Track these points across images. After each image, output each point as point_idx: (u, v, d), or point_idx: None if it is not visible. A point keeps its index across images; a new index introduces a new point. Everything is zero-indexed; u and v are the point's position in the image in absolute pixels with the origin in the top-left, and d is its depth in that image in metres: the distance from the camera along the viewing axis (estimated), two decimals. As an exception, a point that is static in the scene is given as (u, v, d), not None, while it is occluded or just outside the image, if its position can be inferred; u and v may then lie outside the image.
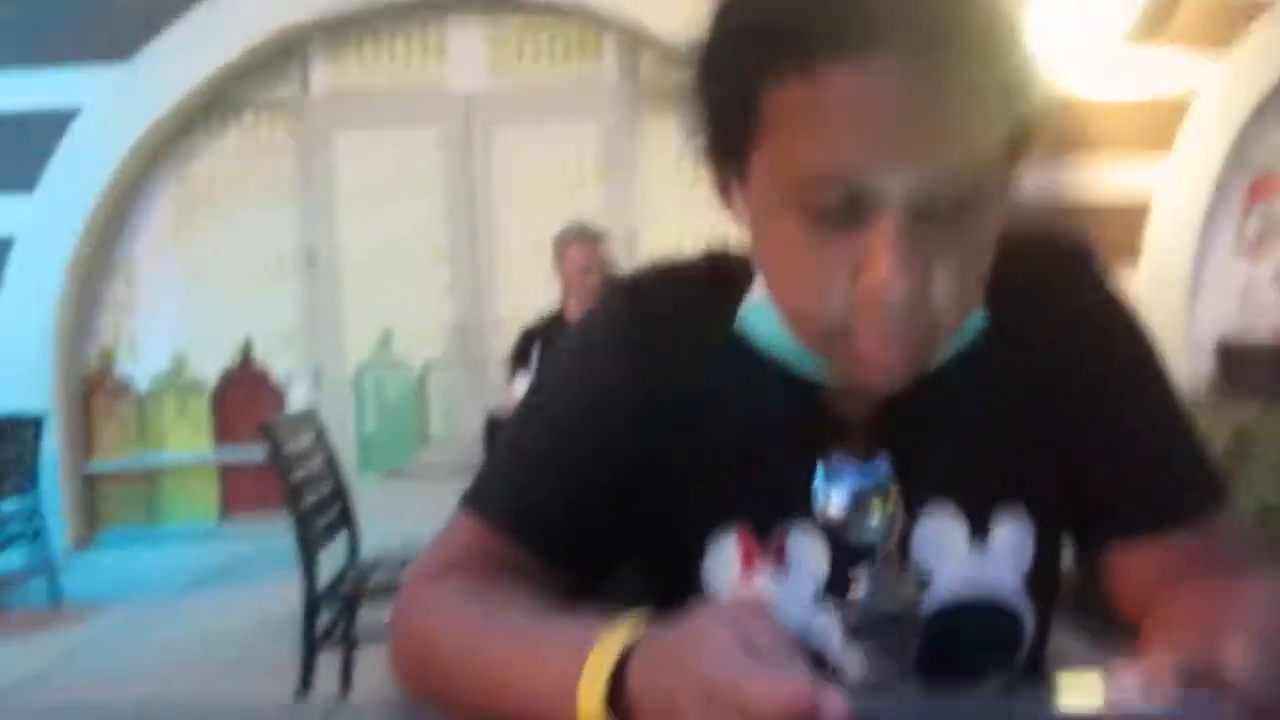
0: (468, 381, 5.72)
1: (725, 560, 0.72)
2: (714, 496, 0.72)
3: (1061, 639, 0.84)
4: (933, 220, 0.58)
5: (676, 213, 5.59)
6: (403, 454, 5.46)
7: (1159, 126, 5.33)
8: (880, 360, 0.61)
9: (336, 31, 5.63)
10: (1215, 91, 5.36)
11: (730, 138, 0.64)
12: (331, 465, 2.84)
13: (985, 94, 0.59)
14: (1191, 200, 5.46)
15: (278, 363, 5.85)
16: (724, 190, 0.68)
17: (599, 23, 5.47)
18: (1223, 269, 5.71)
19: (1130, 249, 5.36)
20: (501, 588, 0.70)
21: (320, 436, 2.86)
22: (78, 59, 5.30)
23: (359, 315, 5.81)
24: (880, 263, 0.58)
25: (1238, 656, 0.51)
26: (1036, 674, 0.75)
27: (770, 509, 0.71)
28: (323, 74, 5.73)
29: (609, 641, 0.56)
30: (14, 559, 4.68)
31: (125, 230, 5.75)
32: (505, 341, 3.79)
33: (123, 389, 5.80)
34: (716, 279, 0.74)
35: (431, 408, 5.89)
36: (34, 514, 4.38)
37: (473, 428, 5.02)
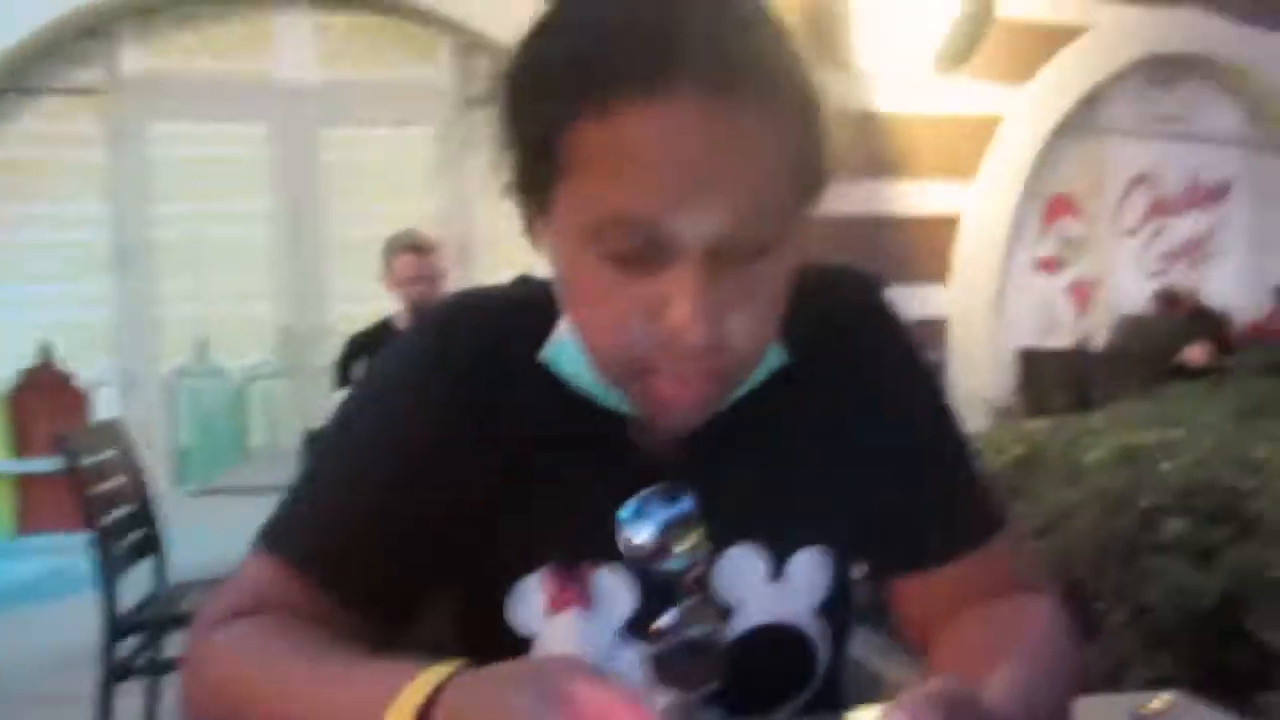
0: (292, 391, 5.50)
1: (531, 599, 0.72)
2: (519, 534, 0.72)
3: (859, 652, 0.88)
4: (731, 261, 0.60)
5: (510, 218, 5.54)
6: (221, 468, 5.19)
7: (967, 150, 5.68)
8: (679, 399, 0.63)
9: (148, 13, 5.31)
10: (1018, 117, 5.75)
11: (533, 175, 0.64)
12: (138, 480, 2.67)
13: (781, 133, 0.60)
14: (996, 220, 5.83)
15: (84, 367, 5.47)
16: (530, 225, 0.68)
17: (434, 23, 5.38)
18: (1024, 284, 6.12)
19: (940, 265, 5.68)
20: (300, 630, 0.67)
21: (126, 448, 2.69)
22: None
23: (175, 318, 5.50)
24: (679, 307, 0.59)
25: (997, 694, 0.55)
26: (832, 695, 0.78)
27: (576, 546, 0.71)
28: (134, 58, 5.39)
29: (418, 682, 0.55)
30: None
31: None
32: (332, 349, 3.64)
33: (-98, 395, 5.31)
34: (526, 310, 0.73)
35: (252, 419, 5.64)
36: None
37: (296, 441, 4.83)
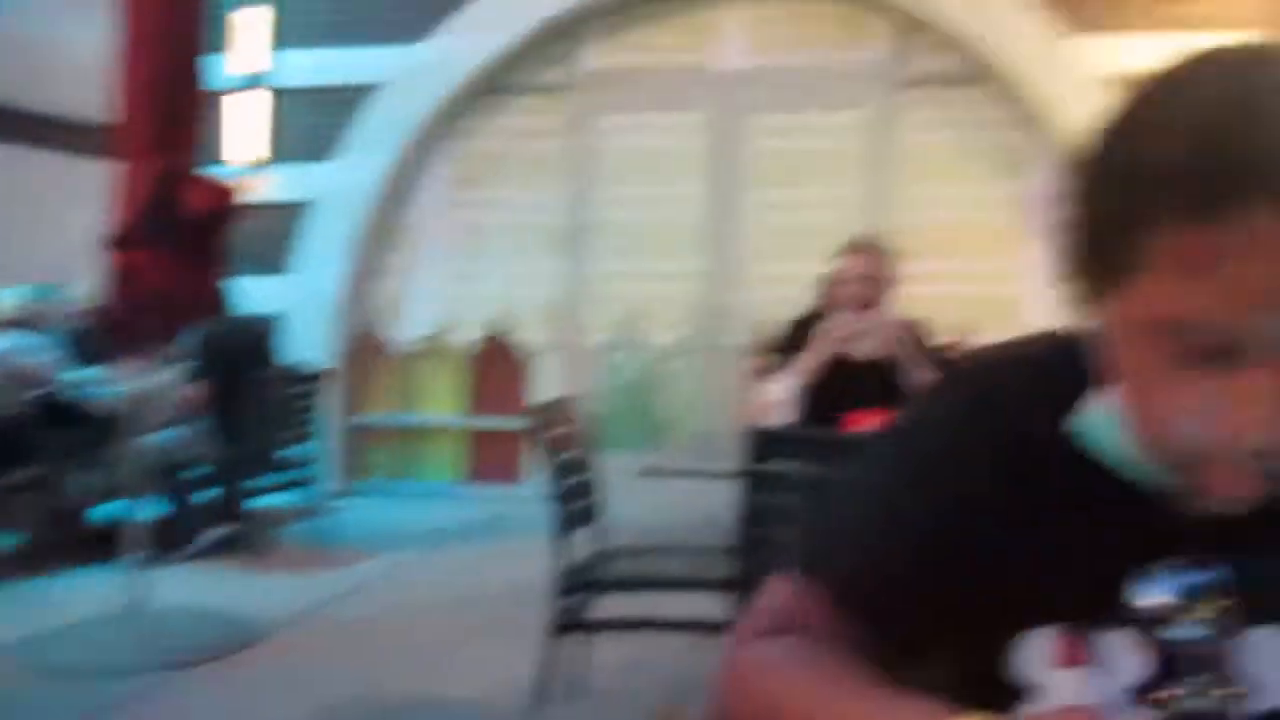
0: (706, 368, 5.72)
1: (1038, 651, 0.73)
2: (1032, 589, 0.73)
3: None
4: None
5: (937, 206, 5.36)
6: (637, 436, 5.54)
7: None
8: (1231, 490, 0.63)
9: (609, 16, 5.74)
10: None
11: (1104, 264, 0.65)
12: (587, 451, 2.89)
13: None
14: None
15: (529, 335, 6.06)
16: (1084, 297, 0.68)
17: (872, 5, 5.30)
18: None
19: None
20: (834, 655, 0.72)
21: (579, 422, 2.93)
22: (375, 39, 5.70)
23: (608, 294, 5.93)
24: (1248, 410, 0.60)
25: None
26: None
27: (1089, 606, 0.72)
28: (593, 57, 5.87)
29: None
30: (286, 499, 5.12)
31: (407, 201, 6.10)
32: (744, 330, 3.65)
33: (388, 351, 6.20)
34: (1055, 376, 0.74)
35: (669, 392, 5.94)
36: (311, 461, 4.75)
37: (709, 419, 5.00)
